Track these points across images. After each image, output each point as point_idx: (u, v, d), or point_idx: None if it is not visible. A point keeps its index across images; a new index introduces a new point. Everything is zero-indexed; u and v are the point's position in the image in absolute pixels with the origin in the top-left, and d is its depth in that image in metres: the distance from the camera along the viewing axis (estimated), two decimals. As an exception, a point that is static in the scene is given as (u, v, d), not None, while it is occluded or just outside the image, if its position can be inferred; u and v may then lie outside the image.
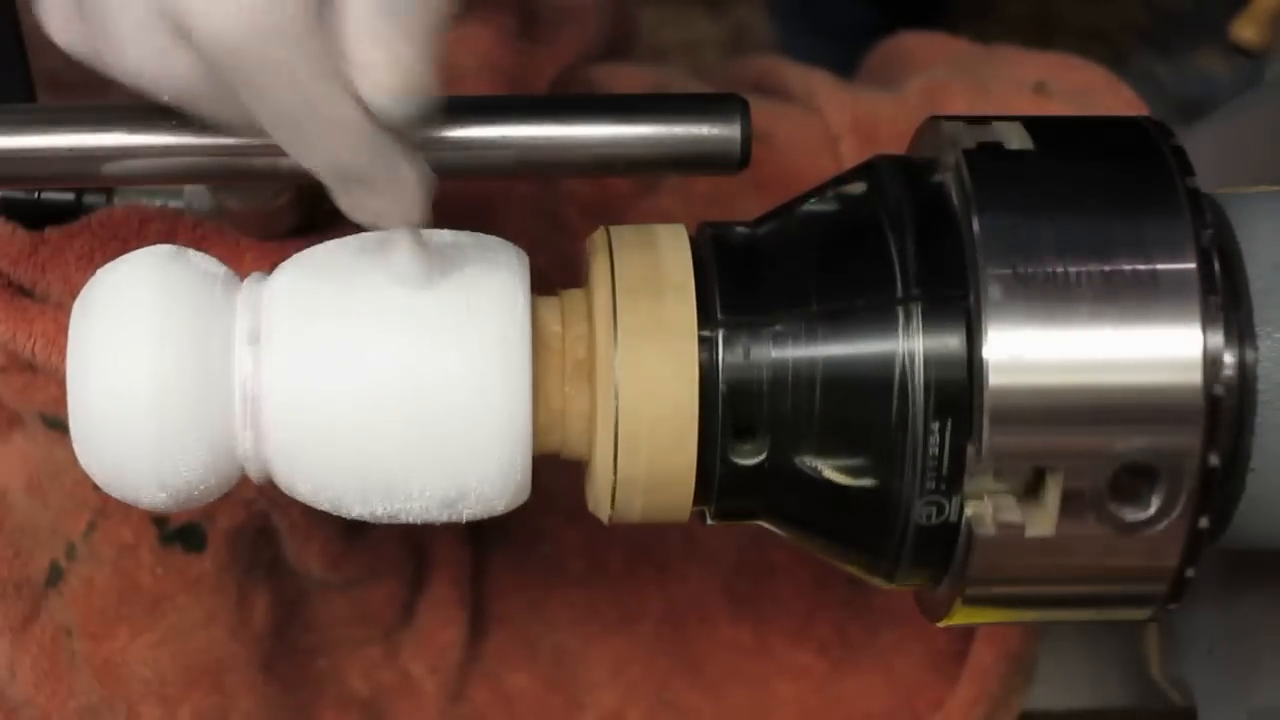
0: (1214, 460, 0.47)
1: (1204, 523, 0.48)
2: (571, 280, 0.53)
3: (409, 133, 0.46)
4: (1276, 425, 0.49)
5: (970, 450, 0.47)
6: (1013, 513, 0.47)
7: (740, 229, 0.52)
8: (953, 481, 0.48)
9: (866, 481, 0.49)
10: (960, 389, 0.47)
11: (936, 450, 0.47)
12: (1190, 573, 0.49)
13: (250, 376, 0.48)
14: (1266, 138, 0.65)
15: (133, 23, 0.45)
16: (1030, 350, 0.47)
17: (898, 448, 0.48)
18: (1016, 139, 0.50)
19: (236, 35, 0.43)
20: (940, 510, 0.48)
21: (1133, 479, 0.48)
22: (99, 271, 0.50)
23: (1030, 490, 0.48)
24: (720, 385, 0.49)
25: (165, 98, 0.47)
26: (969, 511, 0.48)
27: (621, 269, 0.50)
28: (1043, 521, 0.47)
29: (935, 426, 0.47)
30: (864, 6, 1.36)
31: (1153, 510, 0.48)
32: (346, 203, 0.47)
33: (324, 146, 0.45)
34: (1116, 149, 0.50)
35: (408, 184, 0.47)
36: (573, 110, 0.54)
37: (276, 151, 0.50)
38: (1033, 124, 0.51)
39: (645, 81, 0.76)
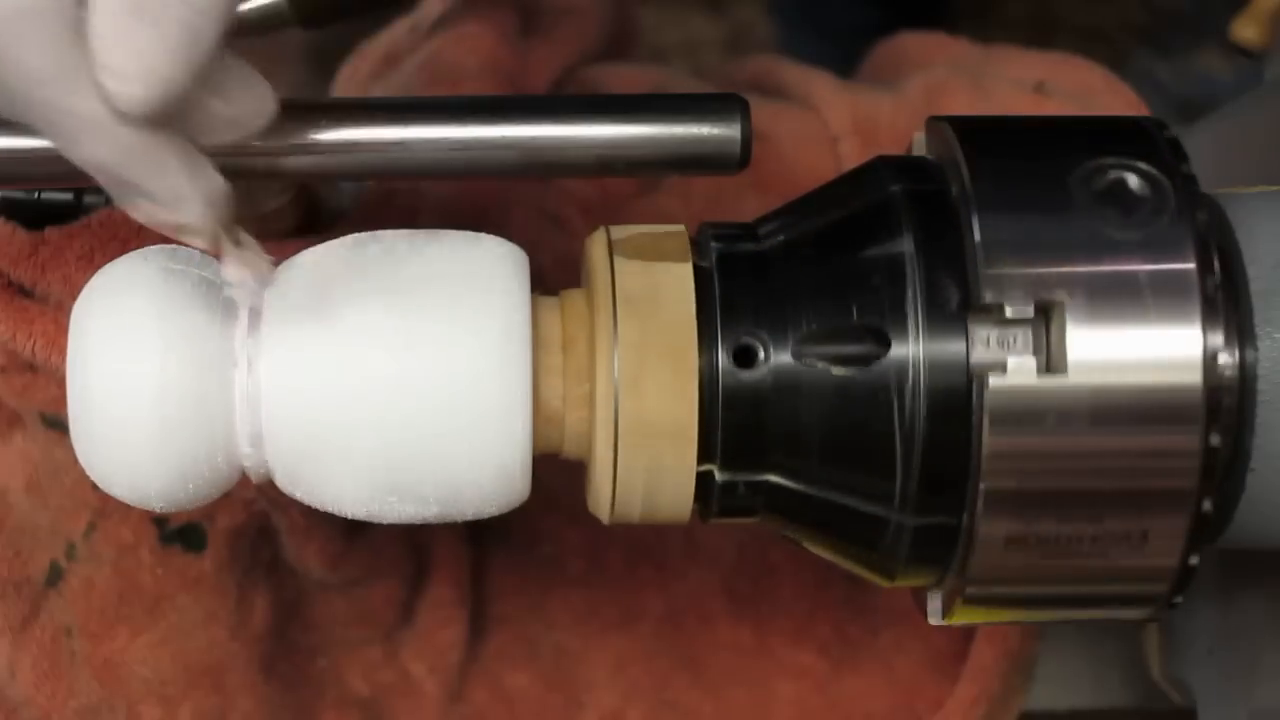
0: (1213, 460, 0.47)
1: (1204, 520, 0.48)
2: (571, 280, 0.53)
3: (178, 135, 0.44)
4: (1276, 425, 0.49)
5: (971, 455, 0.47)
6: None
7: (741, 230, 0.52)
8: (953, 484, 0.48)
9: (866, 478, 0.49)
10: (959, 393, 0.47)
11: (936, 455, 0.48)
12: (1191, 566, 0.49)
13: (250, 376, 0.48)
14: (1266, 138, 0.65)
15: None
16: (1030, 351, 0.47)
17: (897, 450, 0.48)
18: (1015, 139, 0.50)
19: None
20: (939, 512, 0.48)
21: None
22: (99, 271, 0.50)
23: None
24: (720, 385, 0.49)
25: None
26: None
27: (621, 269, 0.50)
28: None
29: (934, 431, 0.47)
30: (864, 7, 1.36)
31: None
32: (129, 209, 0.45)
33: (83, 145, 0.44)
34: (1115, 148, 0.50)
35: (180, 189, 0.44)
36: (573, 110, 0.54)
37: (276, 152, 0.50)
38: (1032, 124, 0.52)
39: (645, 81, 0.76)
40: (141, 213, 0.46)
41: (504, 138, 0.53)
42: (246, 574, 0.65)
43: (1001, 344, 0.47)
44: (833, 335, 0.48)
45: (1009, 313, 0.47)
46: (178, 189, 0.45)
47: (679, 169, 0.55)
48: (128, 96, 0.42)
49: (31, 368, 0.60)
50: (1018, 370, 0.47)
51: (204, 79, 0.43)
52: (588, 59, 0.76)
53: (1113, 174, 0.49)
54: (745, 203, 0.71)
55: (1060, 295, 0.47)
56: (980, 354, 0.47)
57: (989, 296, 0.47)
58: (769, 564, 0.72)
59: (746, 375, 0.49)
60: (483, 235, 0.51)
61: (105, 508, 0.63)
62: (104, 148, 0.44)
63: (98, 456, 0.48)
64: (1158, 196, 0.48)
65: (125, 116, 0.43)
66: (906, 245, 0.48)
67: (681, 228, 0.52)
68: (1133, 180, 0.48)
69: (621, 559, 0.71)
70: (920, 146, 0.53)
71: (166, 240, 0.56)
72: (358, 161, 0.53)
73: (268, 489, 0.51)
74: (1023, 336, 0.47)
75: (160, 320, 0.48)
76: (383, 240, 0.50)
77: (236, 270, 0.47)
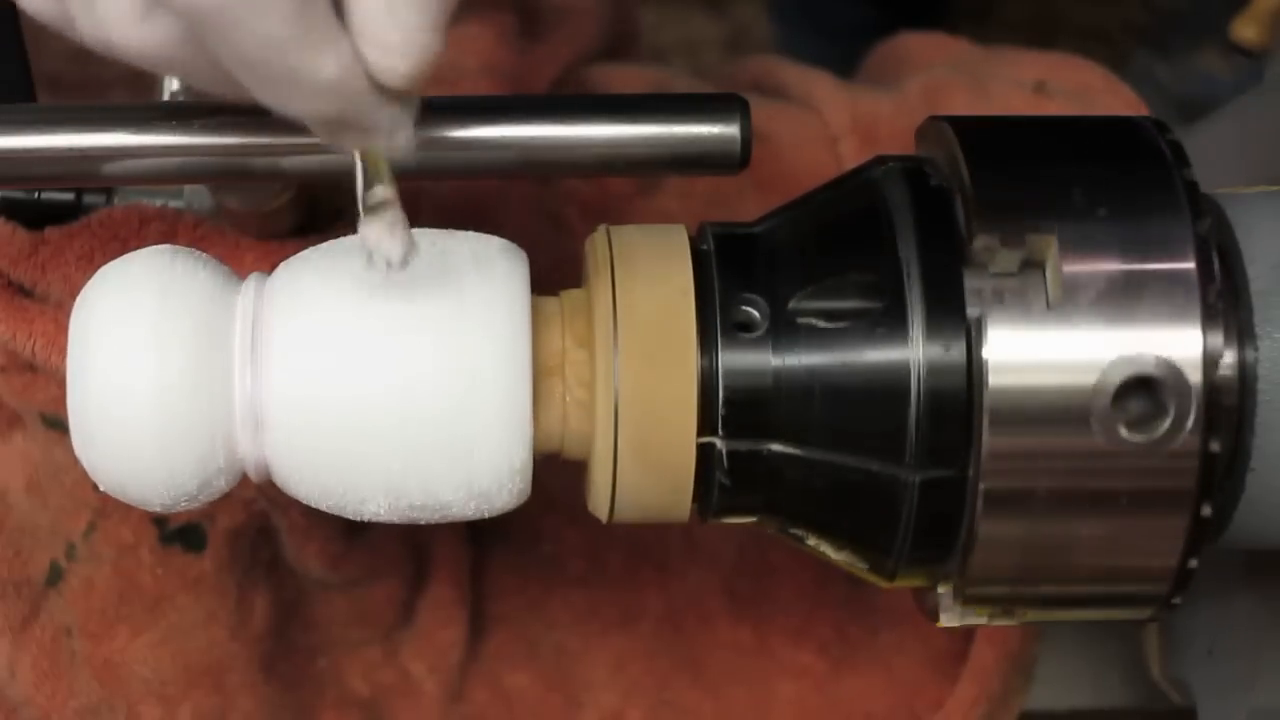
0: (1213, 461, 0.47)
1: (1204, 522, 0.48)
2: (571, 280, 0.53)
3: None
4: (1276, 425, 0.49)
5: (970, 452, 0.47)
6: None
7: (740, 230, 0.52)
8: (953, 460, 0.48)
9: (870, 465, 0.49)
10: (960, 390, 0.47)
11: (935, 453, 0.48)
12: (1191, 567, 0.49)
13: (250, 376, 0.48)
14: (1266, 138, 0.65)
15: None
16: (1030, 350, 0.47)
17: (898, 449, 0.48)
18: (1016, 139, 0.50)
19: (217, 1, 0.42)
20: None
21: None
22: (99, 271, 0.50)
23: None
24: (720, 385, 0.49)
25: (138, 62, 0.46)
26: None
27: (621, 269, 0.50)
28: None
29: (935, 427, 0.47)
30: (864, 7, 1.36)
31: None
32: (332, 143, 0.47)
33: (314, 103, 0.45)
34: (1115, 148, 0.50)
35: (397, 118, 0.46)
36: (573, 110, 0.54)
37: (277, 151, 0.50)
38: (1033, 124, 0.52)
39: (645, 81, 0.76)
40: (349, 145, 0.46)
41: (504, 138, 0.53)
42: (246, 574, 0.65)
43: (1001, 343, 0.47)
44: (833, 336, 0.48)
45: (1009, 312, 0.47)
46: (396, 119, 0.46)
47: (679, 169, 0.55)
48: (393, 69, 0.44)
49: (31, 368, 0.60)
50: (1017, 368, 0.47)
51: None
52: (588, 59, 0.76)
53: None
54: (745, 203, 0.71)
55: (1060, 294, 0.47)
56: (980, 351, 0.47)
57: (989, 296, 0.47)
58: (769, 564, 0.72)
59: (747, 341, 0.49)
60: (483, 235, 0.51)
61: (105, 508, 0.63)
62: (338, 104, 0.45)
63: (98, 456, 0.48)
64: (1158, 196, 0.48)
65: (391, 87, 0.44)
66: (907, 244, 0.48)
67: (681, 228, 0.52)
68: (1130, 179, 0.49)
69: (621, 559, 0.71)
70: (931, 139, 0.52)
71: (166, 240, 0.56)
72: (358, 161, 0.53)
73: (268, 489, 0.51)
74: (1022, 336, 0.47)
75: (160, 320, 0.48)
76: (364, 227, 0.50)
77: (379, 234, 0.47)
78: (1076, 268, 0.47)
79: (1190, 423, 0.47)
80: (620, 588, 0.71)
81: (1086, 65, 0.75)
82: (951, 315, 0.47)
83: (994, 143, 0.50)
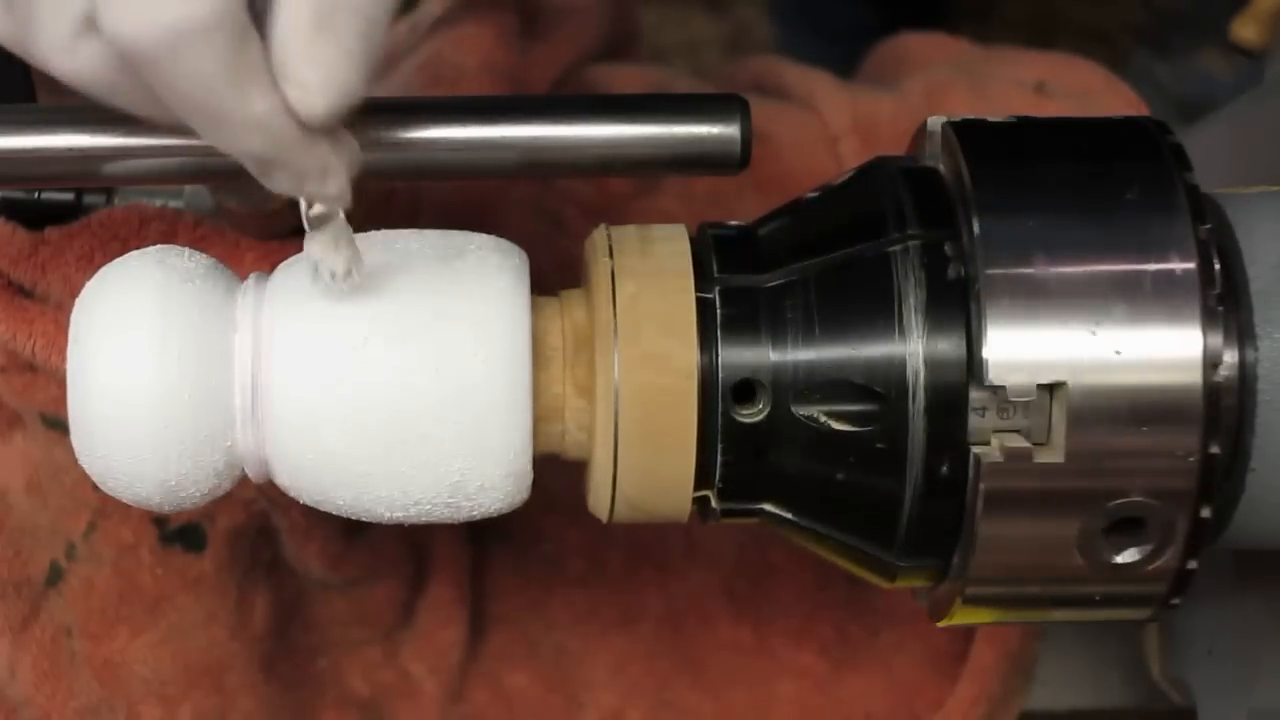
0: (1213, 461, 0.47)
1: (1203, 523, 0.48)
2: (571, 280, 0.53)
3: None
4: (1276, 425, 0.49)
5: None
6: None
7: (740, 230, 0.52)
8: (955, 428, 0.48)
9: (872, 443, 0.49)
10: (959, 390, 0.47)
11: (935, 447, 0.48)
12: (1191, 567, 0.49)
13: (250, 376, 0.48)
14: (1266, 138, 0.65)
15: (52, 15, 0.44)
16: (1029, 350, 0.47)
17: (898, 463, 0.48)
18: (1016, 139, 0.50)
19: (154, 35, 0.42)
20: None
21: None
22: (99, 271, 0.50)
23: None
24: (720, 385, 0.49)
25: (80, 89, 0.46)
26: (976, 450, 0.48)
27: (621, 269, 0.50)
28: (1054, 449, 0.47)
29: (934, 423, 0.48)
30: (864, 7, 1.36)
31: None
32: (267, 183, 0.47)
33: (242, 141, 0.45)
34: (1116, 149, 0.50)
35: (328, 162, 0.46)
36: (573, 110, 0.54)
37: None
38: (1032, 124, 0.51)
39: (645, 81, 0.76)
40: (282, 185, 0.46)
41: (504, 138, 0.53)
42: (246, 574, 0.65)
43: (1001, 343, 0.47)
44: (833, 338, 0.48)
45: (1008, 312, 0.47)
46: (325, 162, 0.46)
47: (679, 169, 0.55)
48: (312, 106, 0.44)
49: (31, 368, 0.60)
50: (1017, 368, 0.47)
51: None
52: (588, 59, 0.76)
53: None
54: (745, 203, 0.71)
55: (1060, 294, 0.47)
56: (980, 351, 0.47)
57: (988, 296, 0.47)
58: (769, 564, 0.72)
59: (748, 374, 0.49)
60: (483, 235, 0.51)
61: (105, 508, 0.63)
62: (266, 142, 0.45)
63: (98, 456, 0.48)
64: (1158, 197, 0.48)
65: (312, 124, 0.44)
66: (907, 244, 0.48)
67: (681, 228, 0.52)
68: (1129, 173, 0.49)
69: (621, 559, 0.71)
70: (933, 138, 0.52)
71: (166, 240, 0.56)
72: (357, 161, 0.53)
73: (268, 489, 0.51)
74: (1022, 336, 0.47)
75: (160, 320, 0.48)
76: (383, 240, 0.50)
77: (322, 247, 0.47)
78: (1076, 267, 0.47)
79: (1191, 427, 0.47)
80: (620, 588, 0.71)
81: (1086, 65, 0.75)
82: (952, 313, 0.47)
83: (995, 144, 0.50)
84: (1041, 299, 0.47)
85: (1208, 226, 0.48)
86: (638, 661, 0.71)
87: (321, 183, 0.46)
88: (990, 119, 0.51)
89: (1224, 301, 0.47)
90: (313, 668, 0.69)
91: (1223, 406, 0.47)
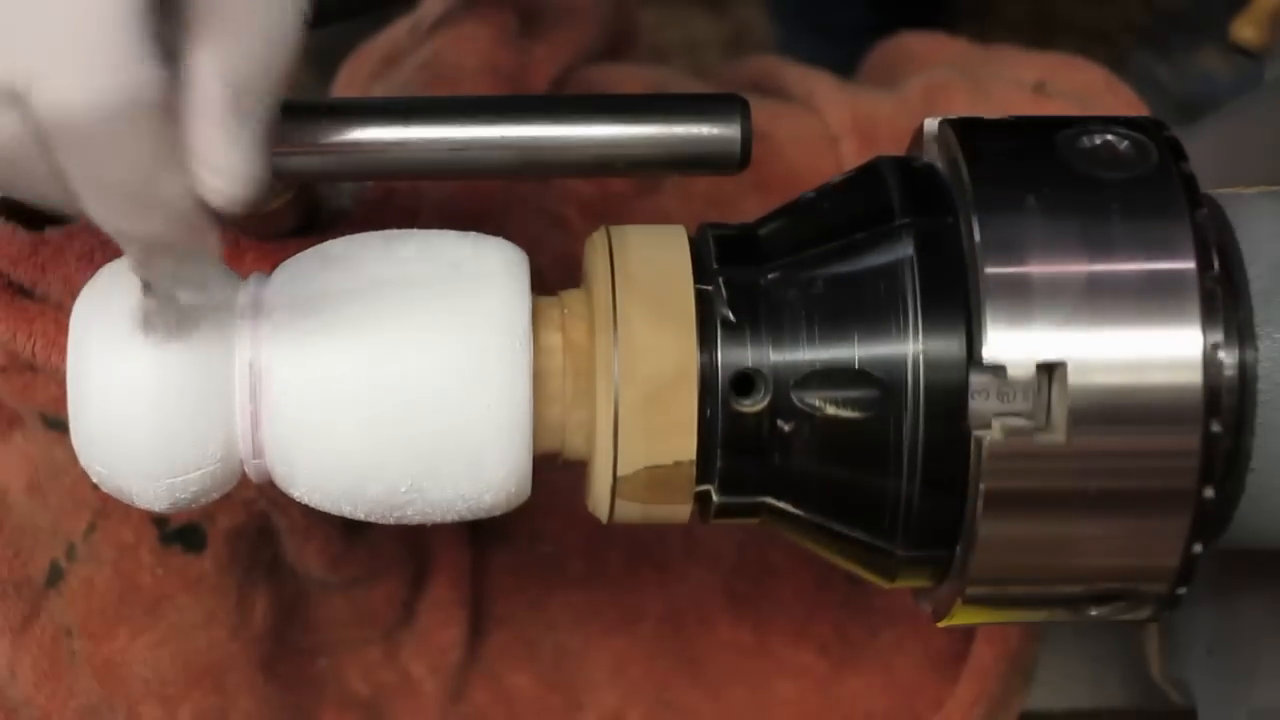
0: (1213, 461, 0.47)
1: (1203, 523, 0.48)
2: (571, 280, 0.53)
3: None
4: (1276, 425, 0.49)
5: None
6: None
7: (741, 229, 0.52)
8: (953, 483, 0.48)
9: (873, 429, 0.49)
10: (959, 390, 0.47)
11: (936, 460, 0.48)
12: (1191, 567, 0.49)
13: (250, 377, 0.48)
14: (1266, 138, 0.65)
15: None
16: (1029, 350, 0.47)
17: (898, 449, 0.48)
18: (1014, 139, 0.50)
19: (90, 109, 0.41)
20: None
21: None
22: (99, 271, 0.50)
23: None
24: (720, 385, 0.49)
25: None
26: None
27: (621, 269, 0.50)
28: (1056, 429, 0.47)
29: (934, 408, 0.47)
30: (864, 7, 1.36)
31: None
32: (140, 269, 0.46)
33: (145, 222, 0.44)
34: (1114, 148, 0.50)
35: (211, 253, 0.46)
36: (573, 110, 0.54)
37: (277, 151, 0.50)
38: (1032, 124, 0.51)
39: (645, 81, 0.76)
40: (156, 269, 0.46)
41: (504, 138, 0.53)
42: (246, 574, 0.65)
43: (1000, 343, 0.47)
44: (834, 337, 0.48)
45: (1008, 312, 0.47)
46: (209, 247, 0.45)
47: (679, 169, 0.55)
48: (224, 190, 0.43)
49: (31, 368, 0.60)
50: (1017, 368, 0.47)
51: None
52: (588, 59, 0.76)
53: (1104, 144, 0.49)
54: (745, 203, 0.71)
55: (1059, 294, 0.47)
56: (980, 350, 0.47)
57: (988, 295, 0.47)
58: (769, 564, 0.72)
59: (746, 409, 0.49)
60: (483, 235, 0.51)
61: (105, 508, 0.63)
62: (167, 224, 0.44)
63: (98, 457, 0.48)
64: (1157, 196, 0.48)
65: (215, 205, 0.44)
66: (907, 244, 0.48)
67: (681, 228, 0.52)
68: (1123, 145, 0.49)
69: (621, 559, 0.71)
70: (931, 139, 0.52)
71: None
72: (358, 161, 0.53)
73: (268, 489, 0.51)
74: (1022, 336, 0.47)
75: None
76: (383, 240, 0.50)
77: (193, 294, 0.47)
78: (1076, 267, 0.47)
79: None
80: (620, 588, 0.71)
81: (1086, 65, 0.75)
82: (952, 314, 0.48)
83: (993, 142, 0.50)
84: (1039, 297, 0.47)
85: (1207, 226, 0.48)
86: (638, 662, 0.71)
87: (200, 271, 0.46)
88: (989, 118, 0.51)
89: (1224, 301, 0.47)
90: (313, 668, 0.69)
91: (1222, 406, 0.47)
